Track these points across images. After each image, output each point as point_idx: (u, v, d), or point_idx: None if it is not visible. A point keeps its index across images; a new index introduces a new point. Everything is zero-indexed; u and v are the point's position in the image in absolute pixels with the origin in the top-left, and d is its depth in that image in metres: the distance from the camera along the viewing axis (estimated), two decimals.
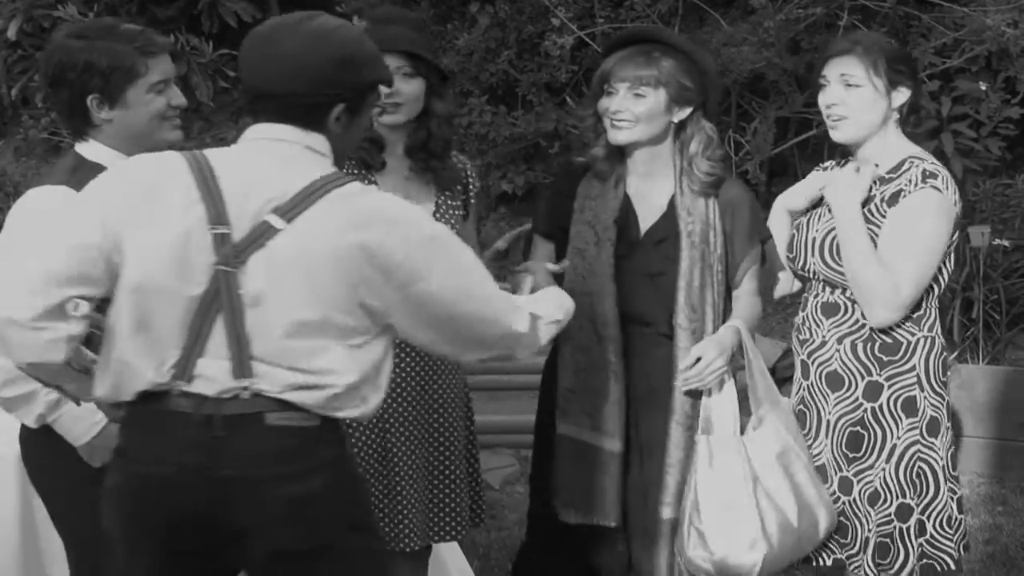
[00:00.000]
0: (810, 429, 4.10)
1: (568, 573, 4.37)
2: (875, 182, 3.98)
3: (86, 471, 3.71)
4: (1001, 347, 7.91)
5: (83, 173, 3.58)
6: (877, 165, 3.99)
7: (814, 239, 4.06)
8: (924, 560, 4.02)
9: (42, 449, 3.80)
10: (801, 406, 4.14)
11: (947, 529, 4.04)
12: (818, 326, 4.07)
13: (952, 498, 4.04)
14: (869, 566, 4.00)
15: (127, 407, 3.18)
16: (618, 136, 4.13)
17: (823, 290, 4.07)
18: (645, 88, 4.08)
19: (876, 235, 3.94)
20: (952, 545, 4.04)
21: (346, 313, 3.09)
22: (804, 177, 4.31)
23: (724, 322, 4.19)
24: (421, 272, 3.10)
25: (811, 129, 9.33)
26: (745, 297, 4.25)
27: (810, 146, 9.57)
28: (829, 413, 4.05)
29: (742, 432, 4.12)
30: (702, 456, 4.08)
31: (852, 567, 4.06)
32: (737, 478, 4.04)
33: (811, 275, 4.11)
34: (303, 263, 3.05)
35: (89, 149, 3.74)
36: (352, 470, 3.29)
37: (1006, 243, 8.05)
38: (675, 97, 4.11)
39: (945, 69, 9.01)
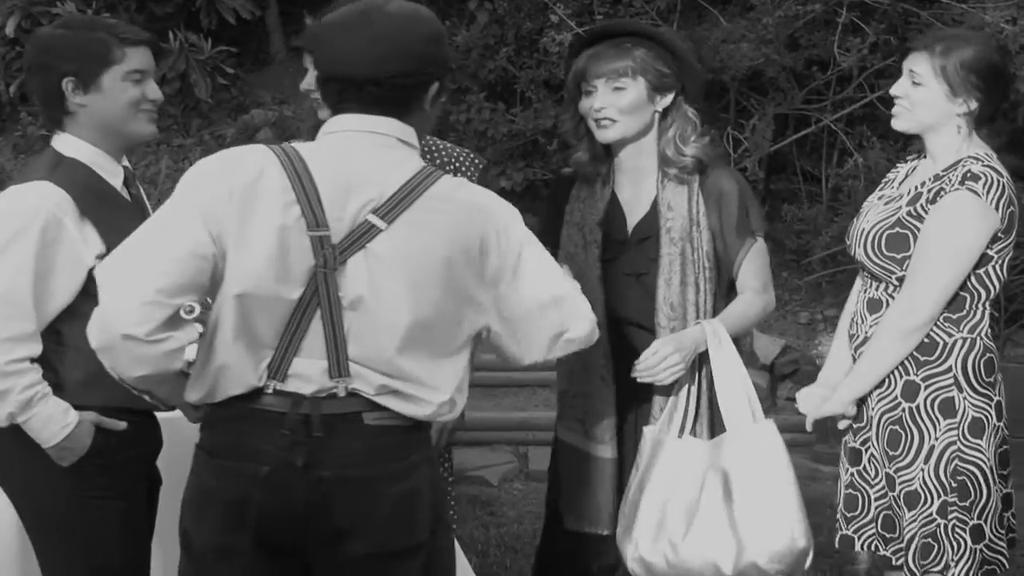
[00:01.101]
0: (864, 423, 4.11)
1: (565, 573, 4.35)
2: (929, 178, 3.99)
3: (55, 469, 3.68)
4: (1000, 343, 7.90)
5: (63, 169, 3.63)
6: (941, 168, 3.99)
7: (864, 229, 4.07)
8: (986, 566, 4.00)
9: (11, 448, 3.71)
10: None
11: (1000, 530, 4.04)
12: (863, 322, 4.10)
13: (1003, 499, 4.04)
14: (913, 565, 3.99)
15: (210, 407, 3.15)
16: (606, 135, 4.08)
17: (870, 285, 4.09)
18: (624, 80, 4.03)
19: (918, 230, 3.95)
20: (1005, 545, 4.05)
21: (446, 316, 3.08)
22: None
23: None
24: (511, 268, 3.12)
25: (810, 126, 9.33)
26: (745, 295, 4.15)
27: (809, 143, 9.56)
28: (872, 409, 4.06)
29: (692, 434, 4.07)
30: (642, 450, 4.06)
31: (899, 561, 4.06)
32: (658, 478, 3.99)
33: (861, 267, 4.13)
34: (405, 264, 3.04)
35: (64, 143, 3.72)
36: (438, 467, 3.31)
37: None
38: (655, 85, 4.06)
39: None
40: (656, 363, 3.96)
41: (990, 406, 3.99)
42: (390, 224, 3.03)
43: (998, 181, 3.90)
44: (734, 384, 4.02)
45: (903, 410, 3.98)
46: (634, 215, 4.16)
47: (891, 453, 4.01)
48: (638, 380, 4.01)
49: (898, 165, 4.26)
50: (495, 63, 10.03)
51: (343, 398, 3.07)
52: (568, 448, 4.22)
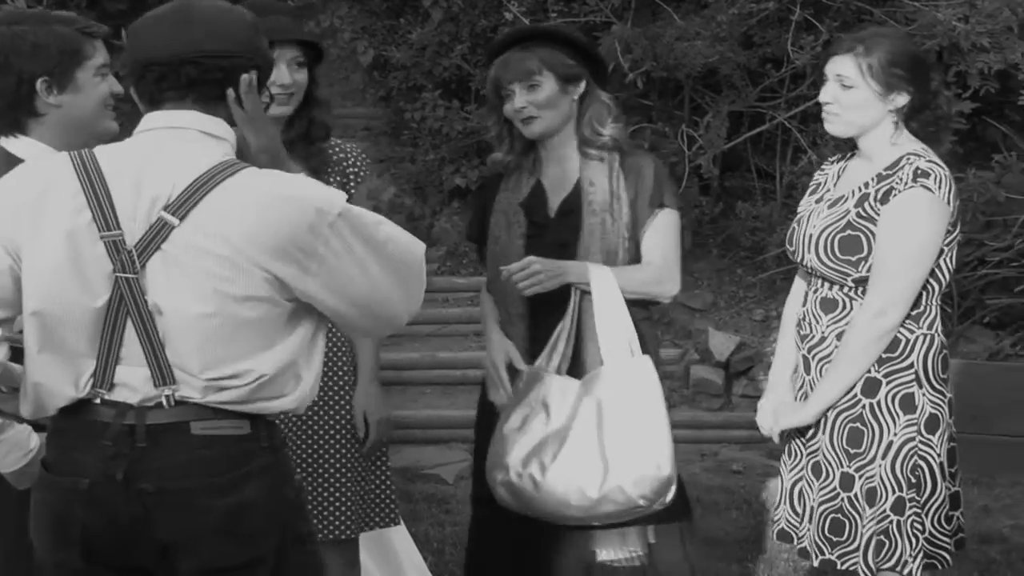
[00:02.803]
0: (810, 425, 4.11)
1: (509, 554, 4.42)
2: (872, 178, 3.99)
3: (12, 493, 3.64)
4: (953, 340, 7.94)
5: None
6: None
7: (811, 235, 4.06)
8: (926, 559, 4.01)
9: None
10: (801, 400, 4.15)
11: (945, 526, 4.05)
12: (817, 322, 4.08)
13: (947, 496, 4.04)
14: (867, 565, 3.99)
15: (49, 419, 3.06)
16: (532, 130, 4.31)
17: (822, 285, 4.07)
18: (535, 78, 4.27)
19: (871, 231, 3.94)
20: (950, 542, 4.06)
21: (253, 301, 2.95)
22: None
23: None
24: (332, 250, 2.97)
25: (764, 123, 9.36)
26: (644, 263, 4.32)
27: (763, 140, 9.59)
28: (828, 409, 4.06)
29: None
30: (518, 386, 4.23)
31: (847, 565, 4.04)
32: (532, 409, 4.16)
33: (810, 271, 4.12)
34: (203, 261, 2.92)
35: (21, 147, 3.57)
36: (286, 474, 3.13)
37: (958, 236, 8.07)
38: (564, 76, 4.29)
39: None
40: (518, 269, 4.16)
41: (944, 402, 4.01)
42: (182, 220, 2.92)
43: (945, 176, 3.93)
44: (614, 322, 4.17)
45: (863, 407, 3.99)
46: (558, 195, 4.36)
47: (852, 451, 4.01)
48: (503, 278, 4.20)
49: (824, 167, 4.26)
50: (450, 61, 10.03)
51: (170, 408, 2.96)
52: (495, 410, 4.34)
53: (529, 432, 4.13)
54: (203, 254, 2.92)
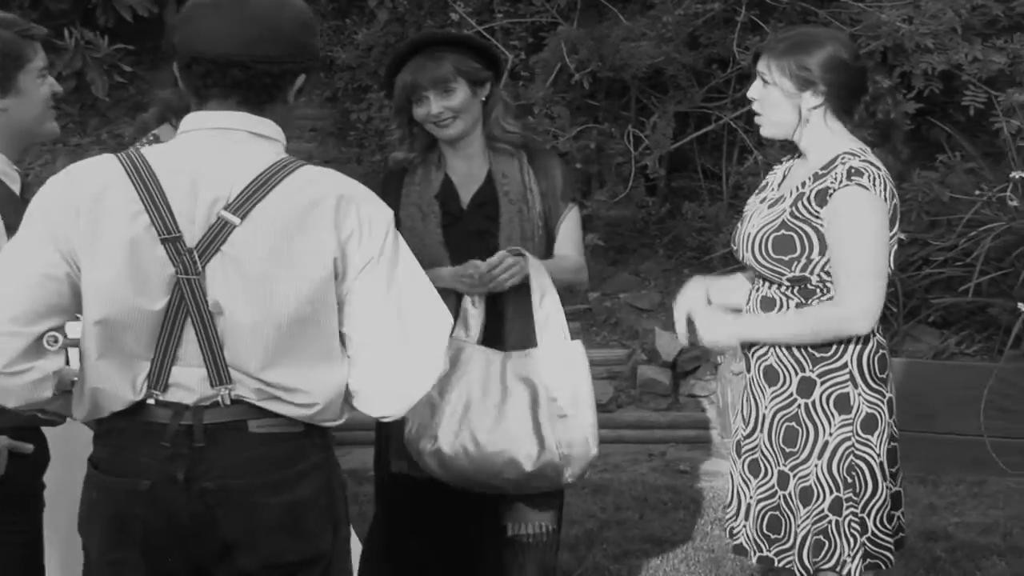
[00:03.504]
0: (750, 422, 4.12)
1: (419, 534, 4.60)
2: (808, 178, 4.00)
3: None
4: (899, 339, 7.98)
5: None
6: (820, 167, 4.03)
7: (750, 234, 4.06)
8: (868, 559, 4.01)
9: None
10: (745, 398, 4.16)
11: (887, 526, 4.04)
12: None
13: (892, 497, 4.05)
14: (803, 563, 4.00)
15: (97, 421, 3.06)
16: (448, 133, 4.52)
17: (763, 284, 4.08)
18: (451, 84, 4.47)
19: (805, 231, 3.94)
20: (891, 542, 4.06)
21: (315, 315, 2.98)
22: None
23: None
24: (376, 260, 3.01)
25: (710, 124, 9.37)
26: (561, 255, 4.60)
27: (709, 140, 9.61)
28: (766, 407, 4.06)
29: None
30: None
31: (783, 563, 4.05)
32: (459, 380, 4.35)
33: (750, 268, 4.13)
34: (265, 262, 2.93)
35: None
36: (339, 474, 3.17)
37: (903, 236, 8.06)
38: (474, 80, 4.52)
39: None
40: (497, 262, 4.40)
41: (882, 402, 4.01)
42: (243, 219, 2.93)
43: (879, 175, 3.92)
44: (550, 308, 4.42)
45: (799, 406, 3.99)
46: (469, 189, 4.59)
47: (787, 450, 4.01)
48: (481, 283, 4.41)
49: (775, 167, 4.28)
50: (385, 78, 9.99)
51: (227, 407, 2.98)
52: None
53: (458, 402, 4.34)
54: (264, 256, 2.94)
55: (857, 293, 3.89)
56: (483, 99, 4.57)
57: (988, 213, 8.10)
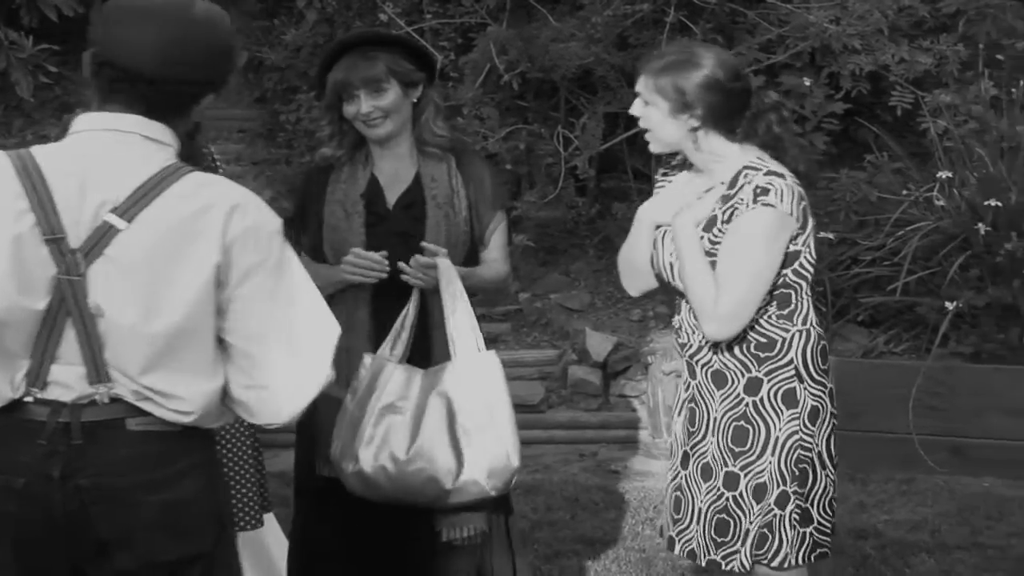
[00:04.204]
0: (699, 428, 4.12)
1: (343, 544, 4.57)
2: (718, 201, 4.00)
3: None
4: (828, 338, 8.00)
5: None
6: (723, 183, 4.01)
7: (671, 264, 4.08)
8: (818, 549, 4.06)
9: None
10: (692, 404, 4.15)
11: (828, 513, 4.10)
12: (694, 331, 4.09)
13: (830, 483, 4.09)
14: (745, 557, 4.02)
15: None
16: (377, 132, 4.51)
17: None
18: (383, 84, 4.46)
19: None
20: (829, 530, 4.12)
21: (195, 324, 2.95)
22: (634, 173, 4.32)
23: None
24: (261, 268, 2.99)
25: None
26: (489, 263, 4.62)
27: (639, 141, 9.58)
28: (715, 411, 4.07)
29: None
30: (360, 375, 4.39)
31: (730, 565, 4.06)
32: (380, 399, 4.33)
33: (680, 289, 4.12)
34: (147, 267, 2.91)
35: None
36: (221, 472, 3.17)
37: (831, 236, 8.16)
38: (406, 82, 4.51)
39: (770, 65, 9.12)
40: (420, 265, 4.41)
41: (825, 393, 4.06)
42: (130, 223, 2.91)
43: (785, 185, 3.93)
44: (462, 318, 4.38)
45: (746, 405, 4.01)
46: (395, 189, 4.57)
47: (737, 450, 4.03)
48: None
49: (668, 175, 4.28)
50: (318, 73, 9.94)
51: (105, 404, 2.95)
52: (330, 400, 4.40)
53: (377, 422, 4.31)
54: (147, 261, 2.91)
55: (728, 311, 3.92)
56: (414, 100, 4.55)
57: (915, 213, 8.16)
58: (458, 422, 4.29)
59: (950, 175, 8.04)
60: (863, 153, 9.05)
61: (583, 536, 6.41)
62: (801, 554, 4.03)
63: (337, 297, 4.52)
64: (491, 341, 8.66)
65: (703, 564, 4.13)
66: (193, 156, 4.20)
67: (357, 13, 9.96)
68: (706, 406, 4.10)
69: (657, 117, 4.04)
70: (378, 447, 4.28)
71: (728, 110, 4.01)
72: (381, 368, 4.36)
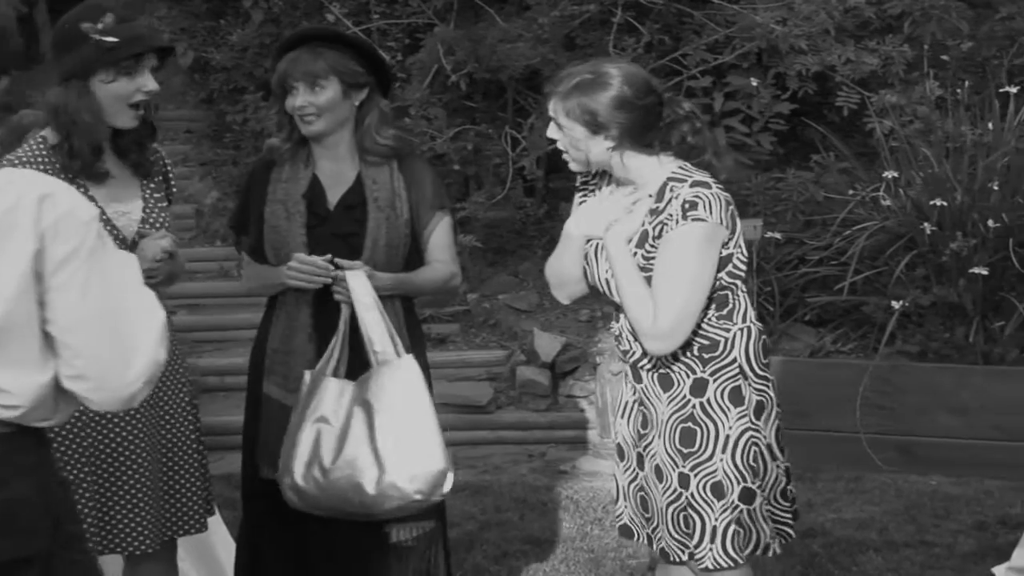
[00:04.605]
0: (650, 430, 4.12)
1: (292, 549, 4.57)
2: (647, 215, 3.99)
3: None
4: (776, 338, 8.04)
5: None
6: (651, 195, 4.01)
7: (607, 280, 4.08)
8: (777, 538, 4.10)
9: None
10: (642, 407, 4.15)
11: (783, 502, 4.12)
12: (635, 339, 4.08)
13: (782, 473, 4.11)
14: (720, 554, 4.01)
15: None
16: (310, 129, 4.49)
17: None
18: (321, 81, 4.46)
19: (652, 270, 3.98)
20: (789, 517, 4.15)
21: (19, 311, 2.91)
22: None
23: None
24: (75, 256, 2.94)
25: None
26: (433, 264, 4.62)
27: None
28: (662, 412, 4.06)
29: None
30: (302, 391, 4.40)
31: (700, 559, 4.05)
32: (313, 413, 4.34)
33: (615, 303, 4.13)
34: None
35: None
36: (57, 476, 3.11)
37: (778, 236, 8.19)
38: (349, 83, 4.50)
39: (717, 65, 9.15)
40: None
41: (767, 386, 4.07)
42: None
43: (711, 195, 3.93)
44: (377, 325, 4.38)
45: (693, 406, 4.01)
46: (336, 190, 4.56)
47: (685, 451, 4.03)
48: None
49: (590, 186, 4.24)
50: (271, 62, 9.91)
51: None
52: (272, 402, 4.55)
53: (311, 435, 4.31)
54: None
55: (666, 327, 3.92)
56: (357, 103, 4.54)
57: (862, 212, 8.20)
58: (376, 427, 4.27)
59: (896, 175, 8.07)
60: (810, 153, 9.09)
61: (531, 536, 6.40)
62: (776, 542, 4.08)
63: (278, 299, 4.57)
64: (439, 342, 8.74)
65: (678, 562, 4.13)
66: (143, 162, 4.19)
67: (304, 13, 9.93)
68: (653, 408, 4.10)
69: (571, 139, 4.01)
70: (309, 459, 4.29)
71: (642, 126, 3.99)
72: (319, 382, 4.36)
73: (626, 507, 4.27)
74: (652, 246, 3.97)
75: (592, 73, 4.01)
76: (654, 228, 3.97)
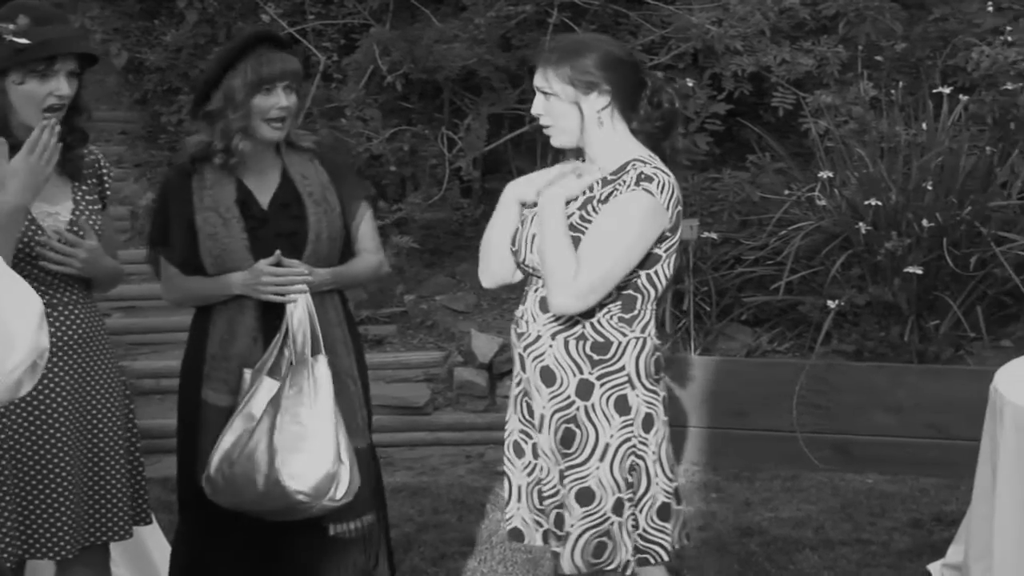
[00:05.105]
0: (535, 421, 4.12)
1: (232, 554, 4.54)
2: (597, 182, 4.01)
3: None
4: (712, 338, 8.07)
5: None
6: (600, 169, 4.02)
7: (533, 235, 4.07)
8: (639, 555, 4.06)
9: None
10: (527, 398, 4.15)
11: (659, 521, 4.08)
12: (534, 320, 4.08)
13: (667, 491, 4.09)
14: (580, 562, 4.02)
15: None
16: (279, 134, 4.44)
17: (542, 286, 4.07)
18: (293, 84, 4.43)
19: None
20: (665, 537, 4.09)
21: None
22: (519, 174, 4.33)
23: None
24: None
25: (524, 125, 9.39)
26: (363, 254, 4.64)
27: (523, 142, 9.63)
28: (544, 407, 4.07)
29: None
30: (242, 390, 4.41)
31: (563, 560, 4.07)
32: (243, 413, 4.34)
33: (530, 270, 4.12)
34: None
35: None
36: None
37: (715, 236, 8.21)
38: (299, 86, 4.52)
39: (654, 66, 9.16)
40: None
41: (658, 401, 4.06)
42: None
43: (668, 183, 3.97)
44: (305, 323, 4.38)
45: (577, 408, 4.01)
46: (265, 189, 4.51)
47: (564, 451, 4.03)
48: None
49: (561, 165, 4.27)
50: (206, 63, 9.86)
51: None
52: (210, 407, 4.48)
53: (236, 431, 4.33)
54: None
55: (587, 285, 3.91)
56: None
57: (797, 212, 8.23)
58: (278, 426, 4.28)
59: (831, 175, 8.11)
60: (746, 153, 9.12)
61: (470, 537, 6.40)
62: (635, 561, 4.06)
63: (215, 305, 4.50)
64: (376, 343, 8.72)
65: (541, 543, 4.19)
66: (71, 165, 4.14)
67: (239, 14, 9.89)
68: (535, 400, 4.11)
69: (561, 108, 4.02)
70: (223, 453, 4.31)
71: (631, 84, 4.04)
72: (256, 381, 4.36)
73: (518, 509, 4.24)
74: (594, 209, 3.97)
75: (576, 42, 4.14)
76: (601, 194, 3.98)
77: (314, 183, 4.53)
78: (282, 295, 4.38)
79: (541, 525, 4.19)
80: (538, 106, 4.08)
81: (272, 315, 4.42)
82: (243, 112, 4.37)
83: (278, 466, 4.25)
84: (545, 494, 4.13)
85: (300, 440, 4.27)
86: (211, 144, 4.44)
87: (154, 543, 5.04)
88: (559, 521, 4.08)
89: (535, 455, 4.16)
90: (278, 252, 4.39)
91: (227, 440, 4.31)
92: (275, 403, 4.30)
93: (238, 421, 4.32)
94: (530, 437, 4.17)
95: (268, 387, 4.34)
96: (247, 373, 4.39)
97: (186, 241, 4.49)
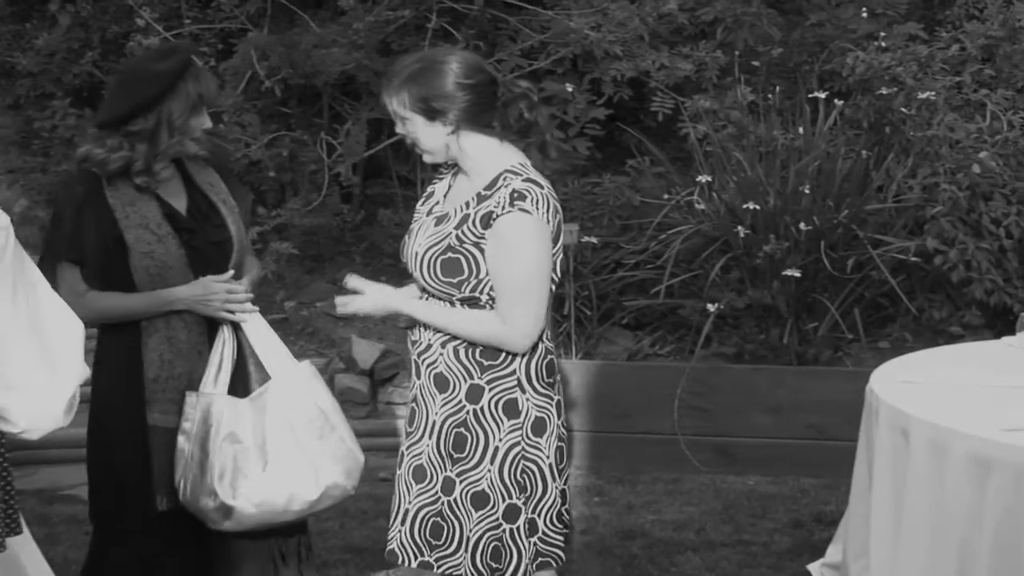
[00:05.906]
0: (417, 428, 4.12)
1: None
2: (473, 198, 4.01)
3: None
4: (594, 342, 8.09)
5: None
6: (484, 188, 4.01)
7: (417, 253, 4.08)
8: (540, 559, 4.07)
9: None
10: (414, 404, 4.16)
11: (557, 525, 4.10)
12: (425, 328, 4.09)
13: (561, 494, 4.09)
14: (475, 567, 4.01)
15: None
16: (196, 148, 4.41)
17: (433, 302, 4.07)
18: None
19: (472, 253, 3.98)
20: (562, 540, 4.12)
21: None
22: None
23: None
24: None
25: None
26: (249, 259, 4.65)
27: (403, 147, 9.58)
28: (436, 413, 4.06)
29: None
30: (189, 414, 4.31)
31: (444, 568, 4.05)
32: (220, 434, 4.25)
33: (420, 286, 4.11)
34: None
35: None
36: None
37: (595, 240, 8.23)
38: None
39: (533, 71, 9.17)
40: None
41: (551, 405, 4.08)
42: None
43: (541, 194, 3.98)
44: (268, 336, 4.39)
45: (467, 412, 4.03)
46: (179, 203, 4.43)
47: (455, 455, 4.04)
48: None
49: (441, 172, 4.28)
50: (80, 67, 9.72)
51: None
52: (159, 431, 4.36)
53: (224, 454, 4.20)
54: None
55: (520, 319, 3.95)
56: None
57: (677, 217, 8.27)
58: (299, 434, 4.24)
59: (710, 179, 8.16)
60: (626, 158, 9.15)
61: (352, 545, 6.36)
62: (535, 565, 4.06)
63: (144, 325, 4.34)
64: None
65: (410, 566, 4.12)
66: None
67: (113, 18, 9.75)
68: (426, 407, 4.11)
69: (418, 130, 4.03)
70: (232, 478, 4.19)
71: (478, 107, 4.02)
72: (210, 403, 4.25)
73: (400, 532, 4.19)
74: (472, 227, 3.97)
75: (421, 62, 4.05)
76: (476, 213, 3.97)
77: (221, 191, 4.50)
78: (232, 312, 4.33)
79: (421, 553, 4.13)
80: (400, 128, 4.09)
81: (215, 331, 4.37)
82: (179, 137, 4.32)
83: (327, 469, 4.27)
84: (401, 504, 4.15)
85: (332, 438, 4.31)
86: (132, 161, 4.30)
87: (27, 556, 4.92)
88: (435, 530, 4.06)
89: (398, 465, 4.17)
90: (231, 271, 4.38)
91: (221, 465, 4.20)
92: (279, 417, 4.25)
93: (218, 445, 4.21)
94: (415, 444, 4.13)
95: (233, 405, 4.26)
96: (191, 397, 4.29)
97: (110, 258, 4.32)
